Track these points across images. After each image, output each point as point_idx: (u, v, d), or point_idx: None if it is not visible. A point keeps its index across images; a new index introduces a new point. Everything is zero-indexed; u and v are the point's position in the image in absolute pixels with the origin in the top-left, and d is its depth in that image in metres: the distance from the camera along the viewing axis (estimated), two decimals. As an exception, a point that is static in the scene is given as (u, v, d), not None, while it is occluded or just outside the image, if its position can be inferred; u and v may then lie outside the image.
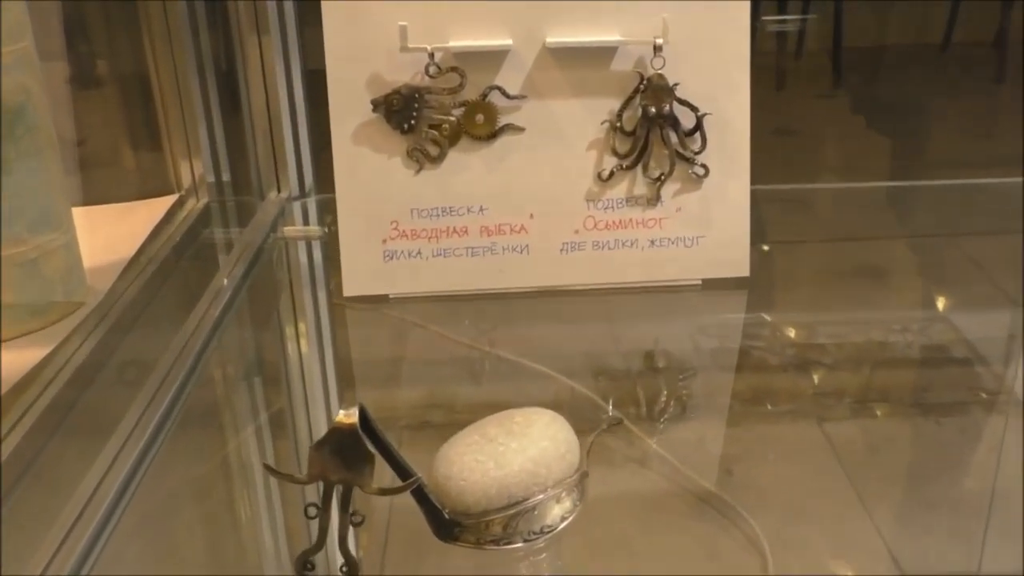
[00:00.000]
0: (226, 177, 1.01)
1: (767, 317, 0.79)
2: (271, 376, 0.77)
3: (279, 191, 0.99)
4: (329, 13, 0.78)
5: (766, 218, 0.84)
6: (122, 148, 1.04)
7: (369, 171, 0.79)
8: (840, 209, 0.98)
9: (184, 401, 0.70)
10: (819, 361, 0.73)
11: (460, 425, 0.58)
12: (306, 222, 0.97)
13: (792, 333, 0.77)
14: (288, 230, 0.94)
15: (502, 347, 0.75)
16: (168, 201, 0.99)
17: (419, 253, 0.80)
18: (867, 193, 0.99)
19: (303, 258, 0.92)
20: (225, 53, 0.97)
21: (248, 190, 1.00)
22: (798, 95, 1.23)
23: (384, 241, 0.80)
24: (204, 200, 1.00)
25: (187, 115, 0.98)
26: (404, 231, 0.80)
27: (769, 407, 0.69)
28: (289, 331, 0.82)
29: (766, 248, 0.84)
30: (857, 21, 1.25)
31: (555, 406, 0.60)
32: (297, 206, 0.98)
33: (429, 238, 0.80)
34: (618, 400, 0.69)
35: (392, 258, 0.80)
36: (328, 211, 0.92)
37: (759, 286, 0.80)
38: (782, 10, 1.25)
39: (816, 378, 0.72)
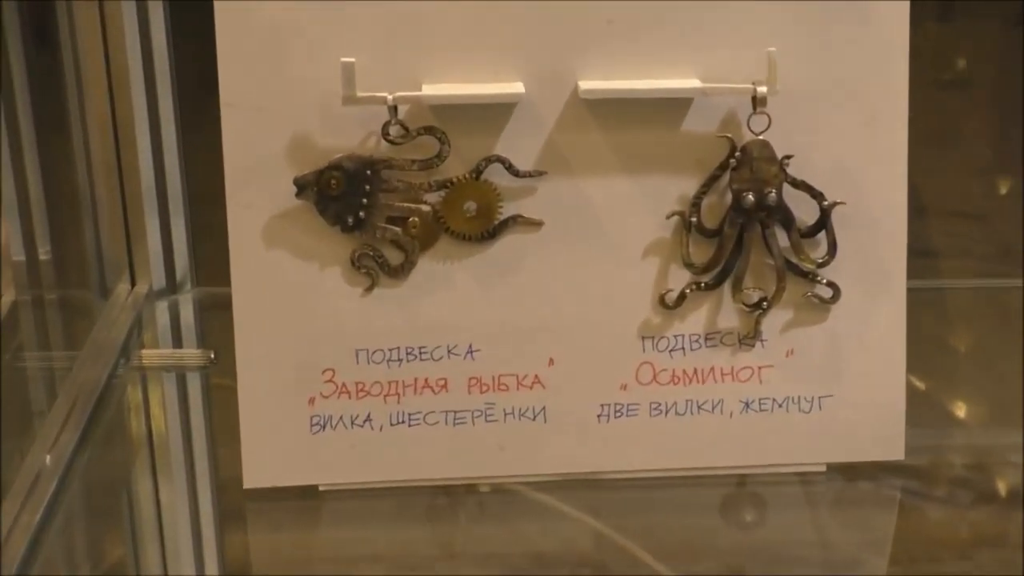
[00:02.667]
0: (45, 254, 0.99)
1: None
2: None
3: (133, 282, 0.98)
4: (225, 32, 0.74)
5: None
6: None
7: (289, 289, 0.76)
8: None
9: None
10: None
11: None
12: (177, 340, 0.95)
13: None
14: (149, 356, 0.91)
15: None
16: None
17: (368, 420, 0.78)
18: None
19: (175, 409, 0.89)
20: (44, 43, 0.95)
21: (82, 279, 0.98)
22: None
23: (312, 401, 0.77)
24: (9, 296, 0.97)
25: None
26: (344, 385, 0.78)
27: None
28: (152, 559, 0.78)
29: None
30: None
31: None
32: (163, 308, 0.97)
33: (385, 396, 0.78)
34: None
35: (324, 428, 0.78)
36: (217, 318, 0.90)
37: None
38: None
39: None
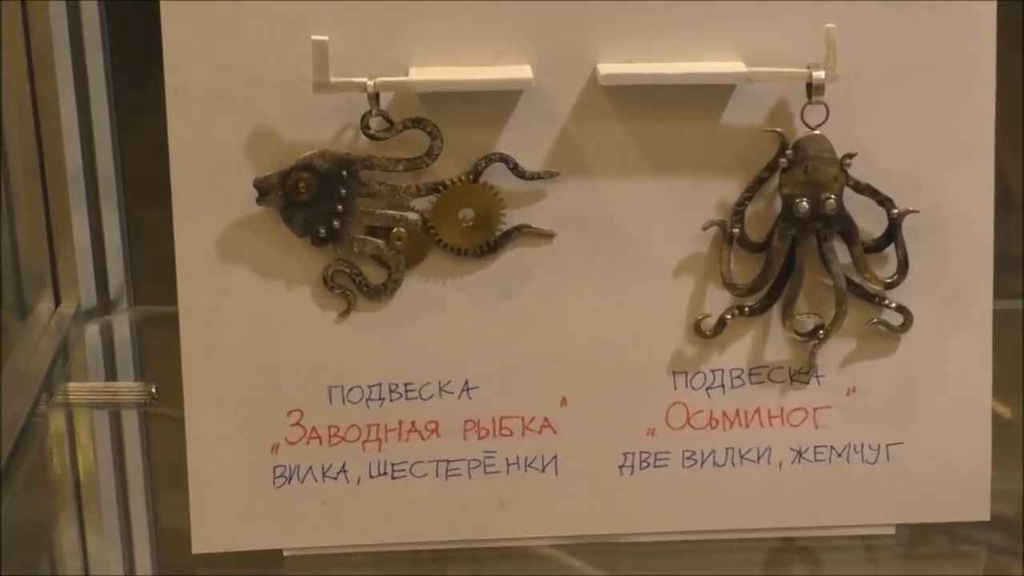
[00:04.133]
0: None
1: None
2: None
3: (58, 299, 1.00)
4: (172, 3, 0.75)
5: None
6: None
7: (248, 313, 0.77)
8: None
9: None
10: None
11: None
12: (111, 371, 0.97)
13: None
14: (76, 390, 0.92)
15: None
16: None
17: (343, 472, 0.78)
18: None
19: (107, 449, 0.91)
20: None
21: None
22: None
23: (275, 449, 0.77)
24: (-92, 317, 0.98)
25: None
26: (314, 429, 0.78)
27: None
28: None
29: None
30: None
31: None
32: (93, 331, 0.99)
33: (363, 442, 0.78)
34: None
35: (290, 480, 0.78)
36: (159, 344, 0.92)
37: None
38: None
39: None
